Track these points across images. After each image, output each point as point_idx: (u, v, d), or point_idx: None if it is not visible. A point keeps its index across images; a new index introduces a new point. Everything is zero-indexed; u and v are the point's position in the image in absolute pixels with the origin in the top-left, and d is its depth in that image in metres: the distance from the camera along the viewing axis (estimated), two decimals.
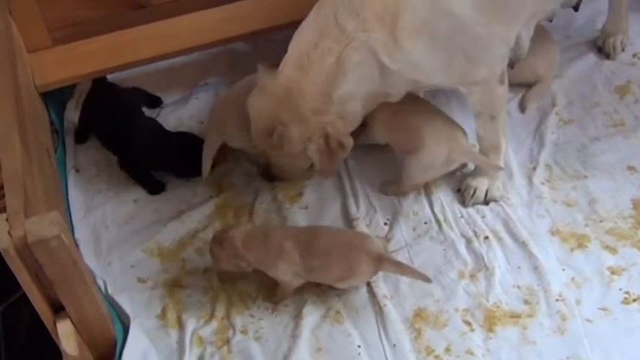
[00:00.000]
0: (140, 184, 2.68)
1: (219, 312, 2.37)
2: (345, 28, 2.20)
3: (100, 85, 2.81)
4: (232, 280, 2.43)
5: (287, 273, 2.30)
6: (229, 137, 2.59)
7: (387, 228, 2.54)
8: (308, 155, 2.35)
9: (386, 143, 2.59)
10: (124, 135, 2.65)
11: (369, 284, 2.37)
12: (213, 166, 2.65)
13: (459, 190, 2.60)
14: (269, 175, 2.60)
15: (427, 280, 2.31)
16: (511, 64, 2.51)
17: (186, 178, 2.68)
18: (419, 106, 2.56)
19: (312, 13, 2.27)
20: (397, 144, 2.55)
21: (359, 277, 2.31)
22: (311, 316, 2.33)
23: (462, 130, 2.52)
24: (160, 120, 2.81)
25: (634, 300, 2.31)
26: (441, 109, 2.60)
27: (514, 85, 2.77)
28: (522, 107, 2.81)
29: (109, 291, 2.41)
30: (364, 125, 2.54)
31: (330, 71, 2.23)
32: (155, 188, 2.68)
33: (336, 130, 2.30)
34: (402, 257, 2.44)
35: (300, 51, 2.26)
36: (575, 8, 2.83)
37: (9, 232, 1.90)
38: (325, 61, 2.23)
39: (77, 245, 2.51)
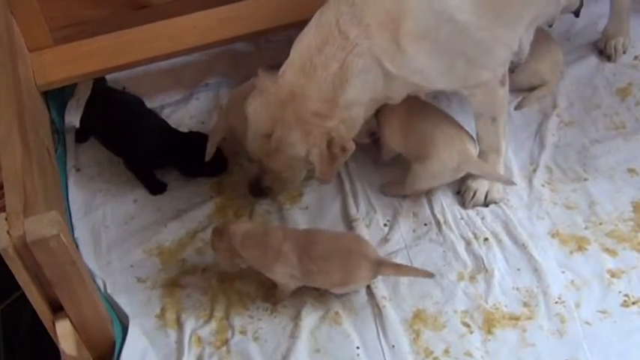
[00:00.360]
0: (143, 183, 2.69)
1: (219, 312, 2.37)
2: (348, 34, 2.20)
3: (101, 90, 2.80)
4: (231, 280, 2.43)
5: (283, 275, 2.30)
6: (235, 128, 2.59)
7: (386, 229, 2.54)
8: (304, 162, 2.35)
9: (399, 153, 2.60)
10: (132, 134, 2.65)
11: (368, 286, 2.37)
12: (220, 170, 2.67)
13: (459, 192, 2.60)
14: (258, 188, 2.55)
15: (430, 275, 2.32)
16: (511, 68, 2.51)
17: (192, 176, 2.69)
18: (430, 113, 2.56)
19: (314, 20, 2.28)
20: (408, 151, 2.55)
21: (358, 283, 2.31)
22: (310, 317, 2.33)
23: (472, 139, 2.52)
24: None
25: (633, 303, 2.31)
26: (451, 116, 2.59)
27: (519, 89, 2.78)
28: (520, 107, 2.81)
29: (109, 291, 2.42)
30: (377, 142, 2.58)
31: (334, 77, 2.24)
32: (157, 188, 2.68)
33: (340, 135, 2.30)
34: (401, 258, 2.44)
35: (303, 57, 2.26)
36: (576, 14, 2.83)
37: (8, 232, 1.90)
38: (330, 67, 2.23)
39: (77, 245, 2.51)
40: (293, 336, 2.30)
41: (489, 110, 2.48)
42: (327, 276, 2.29)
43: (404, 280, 2.38)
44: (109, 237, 2.57)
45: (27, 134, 2.31)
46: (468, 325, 2.29)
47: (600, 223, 2.49)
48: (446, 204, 2.58)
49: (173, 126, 2.75)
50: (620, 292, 2.34)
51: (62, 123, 2.88)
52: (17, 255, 1.91)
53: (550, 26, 2.82)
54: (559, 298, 2.33)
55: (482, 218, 2.53)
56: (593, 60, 2.96)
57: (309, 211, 2.61)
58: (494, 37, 2.26)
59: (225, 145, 2.67)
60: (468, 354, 2.24)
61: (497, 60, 2.35)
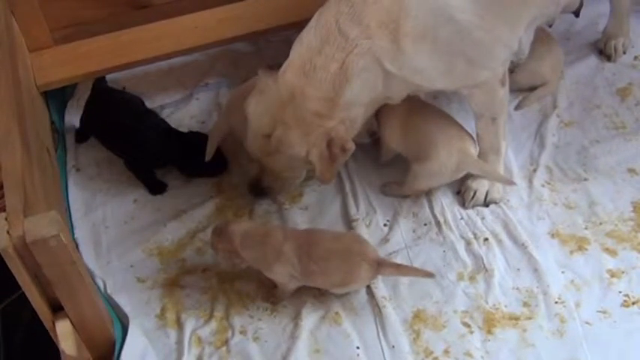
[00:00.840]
0: (143, 183, 2.69)
1: (218, 312, 2.37)
2: (348, 35, 2.21)
3: (101, 90, 2.80)
4: (231, 280, 2.43)
5: (283, 275, 2.30)
6: (235, 128, 2.59)
7: (386, 229, 2.54)
8: (304, 161, 2.35)
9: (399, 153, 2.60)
10: (132, 134, 2.65)
11: (368, 286, 2.37)
12: (220, 170, 2.67)
13: (459, 192, 2.60)
14: (258, 188, 2.56)
15: (430, 275, 2.32)
16: (511, 68, 2.51)
17: (192, 176, 2.69)
18: (430, 113, 2.57)
19: (313, 20, 2.28)
20: (408, 151, 2.56)
21: (358, 283, 2.31)
22: (310, 317, 2.33)
23: (472, 138, 2.52)
24: None
25: (633, 303, 2.31)
26: (451, 116, 2.60)
27: (519, 89, 2.79)
28: (520, 107, 2.81)
29: (108, 291, 2.41)
30: (377, 141, 2.58)
31: (335, 77, 2.24)
32: (157, 188, 2.69)
33: (339, 135, 2.30)
34: (401, 259, 2.44)
35: (303, 57, 2.26)
36: (576, 14, 2.83)
37: (8, 232, 1.90)
38: (330, 68, 2.23)
39: (77, 245, 2.52)
40: (293, 336, 2.30)
41: (489, 110, 2.48)
42: (327, 276, 2.29)
43: (404, 280, 2.38)
44: (109, 237, 2.57)
45: (27, 134, 2.32)
46: (468, 325, 2.29)
47: (600, 223, 2.49)
48: (446, 204, 2.58)
49: (173, 126, 2.75)
50: (620, 292, 2.34)
51: (62, 123, 2.89)
52: (17, 255, 1.91)
53: (550, 26, 2.82)
54: (559, 298, 2.33)
55: (483, 218, 2.53)
56: (593, 60, 2.97)
57: (309, 211, 2.61)
58: (494, 37, 2.27)
59: (225, 145, 2.68)
60: (468, 354, 2.24)
61: (497, 60, 2.35)
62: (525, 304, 2.33)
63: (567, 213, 2.53)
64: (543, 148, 2.70)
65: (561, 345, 2.24)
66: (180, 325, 2.35)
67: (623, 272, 2.38)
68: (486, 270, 2.40)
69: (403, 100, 2.42)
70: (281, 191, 2.59)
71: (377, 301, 2.35)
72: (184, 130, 2.75)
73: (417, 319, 2.32)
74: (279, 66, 2.33)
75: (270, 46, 3.07)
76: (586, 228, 2.49)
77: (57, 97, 2.92)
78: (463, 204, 2.57)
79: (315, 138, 2.30)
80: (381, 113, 2.49)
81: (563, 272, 2.39)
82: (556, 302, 2.32)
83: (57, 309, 2.09)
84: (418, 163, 2.51)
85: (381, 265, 2.31)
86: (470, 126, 2.55)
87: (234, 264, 2.32)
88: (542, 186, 2.60)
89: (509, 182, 2.57)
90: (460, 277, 2.40)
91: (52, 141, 2.77)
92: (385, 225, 2.55)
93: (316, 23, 2.27)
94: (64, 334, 2.07)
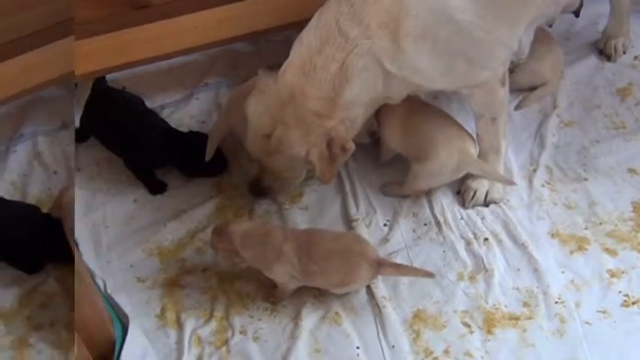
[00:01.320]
0: (143, 183, 2.69)
1: (218, 312, 2.37)
2: (348, 35, 2.21)
3: (101, 90, 2.80)
4: (231, 280, 2.43)
5: (283, 275, 2.30)
6: (235, 128, 2.59)
7: (386, 229, 2.54)
8: (304, 161, 2.35)
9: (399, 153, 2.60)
10: (132, 134, 2.65)
11: (368, 286, 2.37)
12: (220, 170, 2.67)
13: (459, 192, 2.60)
14: (258, 188, 2.56)
15: (430, 275, 2.32)
16: (511, 68, 2.51)
17: (192, 176, 2.69)
18: (430, 113, 2.57)
19: (313, 20, 2.29)
20: (408, 151, 2.56)
21: (358, 283, 2.32)
22: (310, 317, 2.34)
23: (472, 138, 2.53)
24: None
25: (633, 303, 2.31)
26: (451, 116, 2.60)
27: (519, 89, 2.79)
28: (520, 107, 2.81)
29: (109, 291, 2.42)
30: (377, 141, 2.58)
31: (335, 77, 2.24)
32: (157, 188, 2.69)
33: (339, 135, 2.30)
34: (401, 258, 2.44)
35: (303, 57, 2.27)
36: (576, 14, 2.83)
37: None
38: (330, 68, 2.24)
39: (77, 245, 2.51)
40: (293, 336, 2.30)
41: (490, 110, 2.48)
42: (327, 276, 2.29)
43: (404, 280, 2.38)
44: (109, 237, 2.58)
45: None
46: (468, 325, 2.30)
47: (600, 223, 2.49)
48: (446, 204, 2.58)
49: (173, 126, 2.75)
50: (620, 292, 2.34)
51: None
52: None
53: (550, 26, 2.82)
54: (559, 298, 2.33)
55: (483, 218, 2.54)
56: (593, 60, 2.97)
57: (309, 211, 2.61)
58: (494, 37, 2.27)
59: (225, 145, 2.68)
60: (468, 354, 2.24)
61: (496, 60, 2.36)
62: (525, 304, 2.33)
63: (567, 213, 2.53)
64: (543, 148, 2.70)
65: (561, 345, 2.24)
66: (180, 325, 2.35)
67: (623, 272, 2.38)
68: (486, 270, 2.40)
69: (403, 100, 2.42)
70: (281, 191, 2.59)
71: (377, 301, 2.35)
72: (184, 130, 2.75)
73: (417, 319, 2.32)
74: (279, 66, 2.33)
75: (270, 46, 3.07)
76: (586, 228, 2.49)
77: None
78: (463, 204, 2.58)
79: (315, 138, 2.30)
80: (381, 113, 2.49)
81: (563, 272, 2.39)
82: (556, 302, 2.32)
83: None
84: (418, 163, 2.51)
85: (381, 265, 2.31)
86: (470, 126, 2.55)
87: (234, 264, 2.33)
88: (542, 186, 2.61)
89: (509, 182, 2.57)
90: (460, 277, 2.40)
91: None
92: (385, 225, 2.55)
93: (316, 23, 2.28)
94: None
